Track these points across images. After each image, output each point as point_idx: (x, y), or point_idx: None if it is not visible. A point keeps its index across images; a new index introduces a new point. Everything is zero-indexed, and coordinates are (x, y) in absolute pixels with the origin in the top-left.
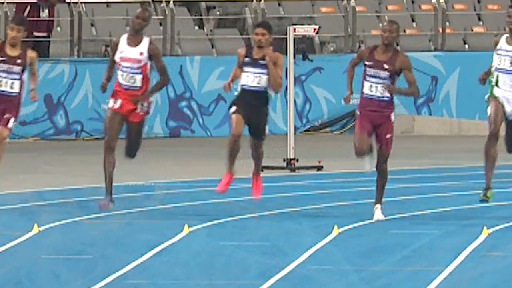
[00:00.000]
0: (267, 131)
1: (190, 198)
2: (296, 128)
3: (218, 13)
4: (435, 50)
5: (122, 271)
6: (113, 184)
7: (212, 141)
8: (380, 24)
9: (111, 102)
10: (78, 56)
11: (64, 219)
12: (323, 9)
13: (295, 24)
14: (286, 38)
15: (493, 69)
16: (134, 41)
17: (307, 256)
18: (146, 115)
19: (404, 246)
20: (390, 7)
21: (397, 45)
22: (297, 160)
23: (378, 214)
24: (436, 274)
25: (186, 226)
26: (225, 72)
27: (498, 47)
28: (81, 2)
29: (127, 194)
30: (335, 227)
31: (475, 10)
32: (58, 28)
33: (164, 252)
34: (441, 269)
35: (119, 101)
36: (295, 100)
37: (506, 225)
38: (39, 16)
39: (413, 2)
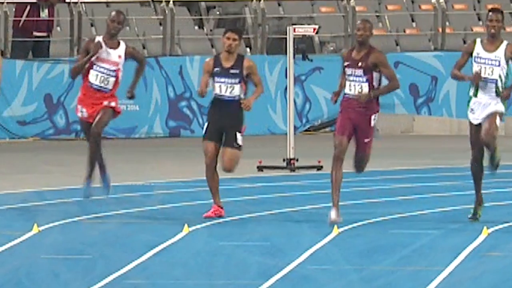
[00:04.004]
0: (239, 139)
1: (189, 198)
2: (296, 128)
3: (218, 13)
4: (435, 50)
5: (122, 271)
6: (112, 184)
7: None
8: (380, 24)
9: (79, 110)
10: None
11: (63, 219)
12: (323, 9)
13: (295, 24)
14: (285, 38)
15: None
16: (111, 44)
17: (306, 256)
18: (114, 111)
19: (403, 246)
20: (389, 7)
21: (397, 44)
22: (297, 160)
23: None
24: (436, 274)
25: (186, 226)
26: None
27: (475, 54)
28: (81, 2)
29: (126, 194)
30: (335, 227)
31: (475, 10)
32: (58, 28)
33: (163, 252)
34: (441, 269)
35: (84, 110)
36: (294, 100)
37: (506, 225)
38: (39, 16)
39: (413, 2)
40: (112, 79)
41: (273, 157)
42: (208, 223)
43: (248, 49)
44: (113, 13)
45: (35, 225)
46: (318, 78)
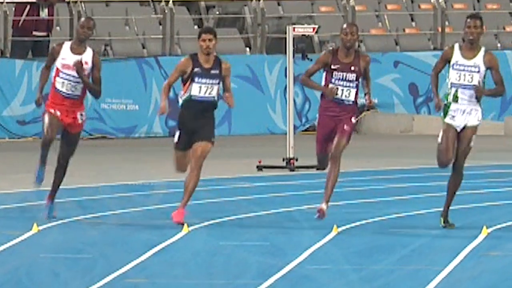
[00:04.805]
0: (213, 135)
1: None
2: (295, 128)
3: (217, 12)
4: (435, 49)
5: (122, 270)
6: (112, 183)
7: None
8: (380, 24)
9: (51, 112)
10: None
11: (63, 219)
12: (323, 9)
13: (295, 24)
14: (285, 37)
15: (448, 84)
16: (78, 50)
17: (306, 255)
18: (83, 126)
19: (403, 246)
20: (389, 7)
21: (396, 44)
22: (297, 160)
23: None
24: (435, 273)
25: (185, 225)
26: None
27: (453, 61)
28: (81, 1)
29: (126, 193)
30: (334, 226)
31: (474, 9)
32: (58, 28)
33: (163, 251)
34: (440, 268)
35: (58, 113)
36: (294, 100)
37: (505, 224)
38: (38, 16)
39: (412, 1)
40: (80, 86)
41: (273, 157)
42: (208, 223)
43: (247, 49)
44: (83, 19)
45: (35, 224)
46: (317, 77)
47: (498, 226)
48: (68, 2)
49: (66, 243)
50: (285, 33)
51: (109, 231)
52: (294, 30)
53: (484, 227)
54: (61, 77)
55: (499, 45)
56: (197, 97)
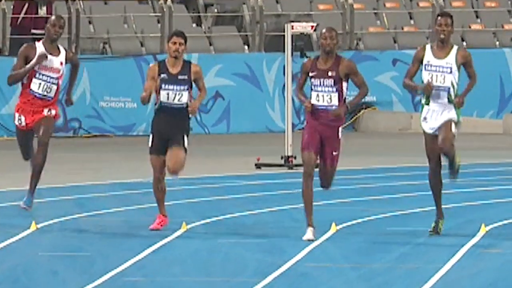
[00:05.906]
0: (186, 142)
1: (187, 196)
2: (293, 126)
3: (216, 10)
4: None
5: (120, 269)
6: (111, 181)
7: (210, 138)
8: (378, 22)
9: (16, 118)
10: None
11: (62, 217)
12: (321, 6)
13: (293, 21)
14: (284, 35)
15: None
16: (52, 50)
17: (305, 253)
18: (55, 119)
19: (402, 244)
20: (387, 5)
21: (395, 42)
22: (295, 158)
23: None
24: (434, 271)
25: (183, 223)
26: (223, 69)
27: (425, 61)
28: (79, 0)
29: (125, 191)
30: (333, 224)
31: (472, 7)
32: None
33: (162, 249)
34: (439, 266)
35: (22, 118)
36: (293, 98)
37: (504, 222)
38: (37, 13)
39: None
40: (55, 87)
41: (271, 155)
42: (207, 220)
43: (246, 47)
44: (53, 17)
45: (34, 222)
46: None
47: (497, 224)
48: (67, 0)
49: (64, 241)
50: (284, 31)
51: (107, 229)
52: (292, 28)
53: (483, 225)
54: (38, 78)
55: (497, 43)
56: (166, 104)
